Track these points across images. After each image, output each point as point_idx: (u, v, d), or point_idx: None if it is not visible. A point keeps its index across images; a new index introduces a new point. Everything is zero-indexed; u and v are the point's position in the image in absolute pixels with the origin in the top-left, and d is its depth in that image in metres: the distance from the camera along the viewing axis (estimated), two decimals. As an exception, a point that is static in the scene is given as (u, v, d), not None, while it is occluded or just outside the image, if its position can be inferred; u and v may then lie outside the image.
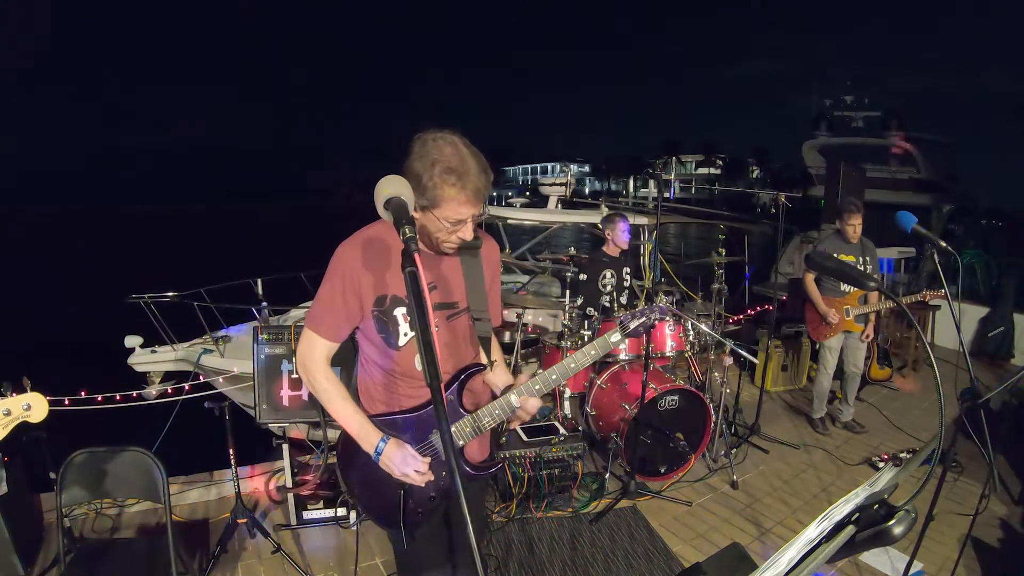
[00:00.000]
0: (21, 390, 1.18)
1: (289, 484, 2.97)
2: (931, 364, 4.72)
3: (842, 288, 4.09)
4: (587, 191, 72.55)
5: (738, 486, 3.51)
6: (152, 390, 4.67)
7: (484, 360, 1.67)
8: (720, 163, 75.29)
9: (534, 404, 1.55)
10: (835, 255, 3.95)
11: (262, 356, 2.79)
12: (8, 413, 1.11)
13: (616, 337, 1.56)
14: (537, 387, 1.54)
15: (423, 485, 1.49)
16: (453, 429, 1.52)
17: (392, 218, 1.14)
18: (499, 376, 1.70)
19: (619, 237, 4.21)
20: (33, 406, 1.14)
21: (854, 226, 4.02)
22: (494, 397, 1.63)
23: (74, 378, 4.17)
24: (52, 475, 2.86)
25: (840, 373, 4.37)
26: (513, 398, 1.53)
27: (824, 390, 4.36)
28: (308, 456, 3.25)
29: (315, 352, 1.51)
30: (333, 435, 1.71)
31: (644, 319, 1.56)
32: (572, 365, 1.55)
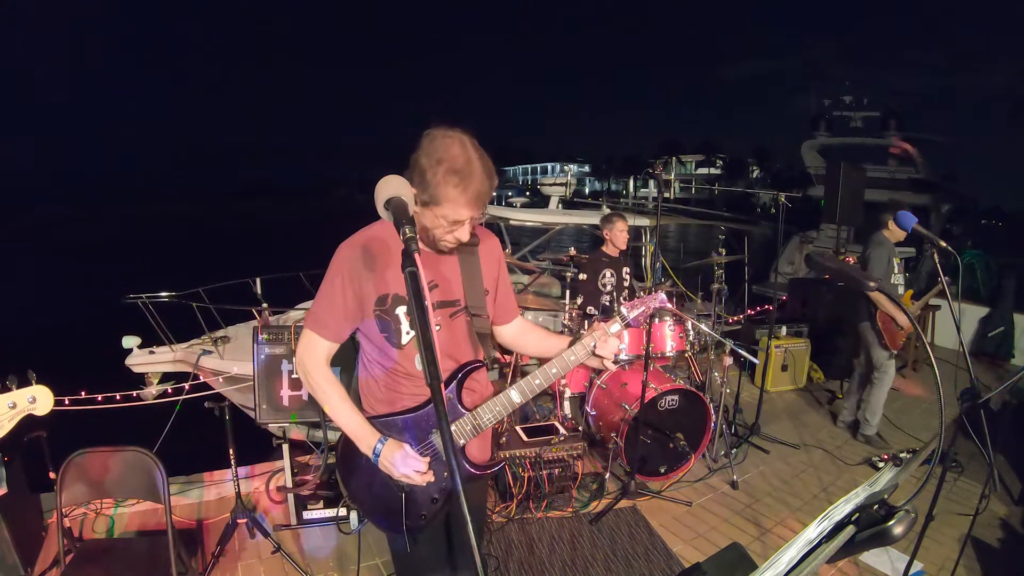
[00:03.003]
0: (26, 383, 1.18)
1: (289, 484, 2.97)
2: (931, 364, 4.72)
3: (898, 292, 4.01)
4: (587, 191, 72.60)
5: (738, 486, 3.50)
6: (151, 390, 4.66)
7: (484, 357, 1.67)
8: (720, 163, 75.37)
9: (614, 344, 1.55)
10: (892, 259, 3.92)
11: (262, 356, 2.79)
12: (14, 406, 1.11)
13: (615, 327, 1.56)
14: (537, 382, 1.54)
15: (424, 485, 1.49)
16: (453, 428, 1.52)
17: (392, 218, 1.15)
18: (558, 343, 1.68)
19: (617, 237, 4.21)
20: (38, 398, 1.14)
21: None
22: (494, 394, 1.64)
23: (74, 378, 4.16)
24: (52, 475, 2.86)
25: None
26: (514, 394, 1.53)
27: (882, 403, 4.11)
28: (308, 456, 3.25)
29: (315, 352, 1.51)
30: (333, 435, 1.71)
31: (643, 308, 1.57)
32: (572, 358, 1.56)
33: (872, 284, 1.51)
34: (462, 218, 1.39)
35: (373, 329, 1.51)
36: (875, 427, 4.17)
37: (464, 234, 1.44)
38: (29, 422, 1.21)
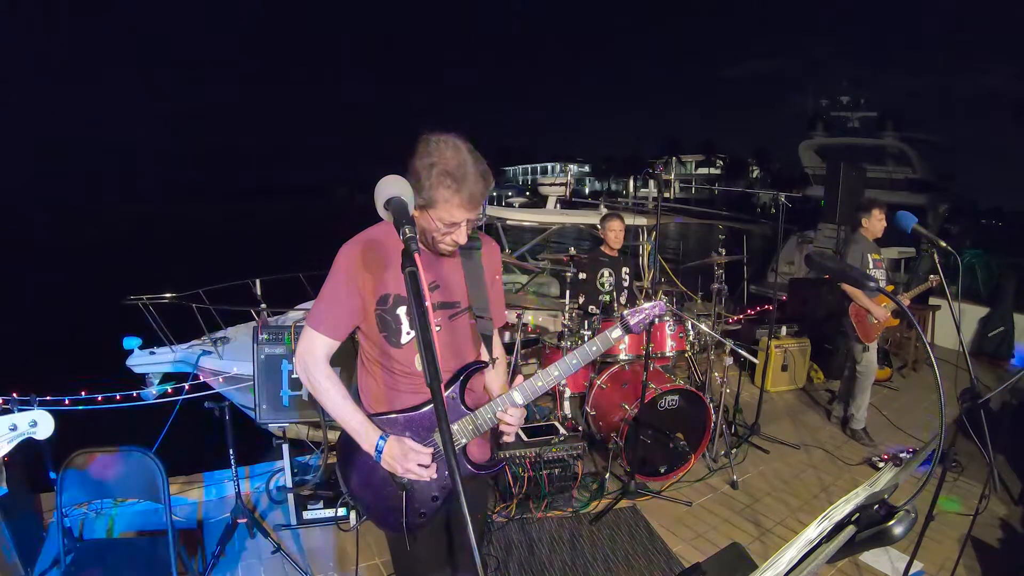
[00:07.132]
0: (28, 405, 1.18)
1: (289, 484, 2.97)
2: (931, 364, 4.72)
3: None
4: (587, 191, 72.65)
5: (738, 486, 3.50)
6: (152, 391, 4.66)
7: (486, 358, 1.67)
8: (720, 163, 75.42)
9: (516, 414, 1.53)
10: (867, 255, 3.91)
11: (262, 356, 2.79)
12: (14, 428, 1.12)
13: (617, 333, 1.59)
14: (540, 384, 1.54)
15: (428, 480, 1.49)
16: (455, 428, 1.52)
17: (392, 218, 1.15)
18: (496, 378, 1.70)
19: (609, 236, 4.20)
20: (40, 423, 1.14)
21: (882, 219, 3.94)
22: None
23: (74, 378, 4.16)
24: (52, 475, 2.86)
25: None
26: (516, 395, 1.53)
27: (865, 397, 4.15)
28: (308, 456, 3.25)
29: (316, 350, 1.51)
30: (333, 435, 1.71)
31: (644, 316, 1.58)
32: (574, 361, 1.56)
33: (872, 284, 1.51)
34: (457, 220, 1.41)
35: (373, 328, 1.51)
36: (862, 421, 4.19)
37: (461, 237, 1.45)
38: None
